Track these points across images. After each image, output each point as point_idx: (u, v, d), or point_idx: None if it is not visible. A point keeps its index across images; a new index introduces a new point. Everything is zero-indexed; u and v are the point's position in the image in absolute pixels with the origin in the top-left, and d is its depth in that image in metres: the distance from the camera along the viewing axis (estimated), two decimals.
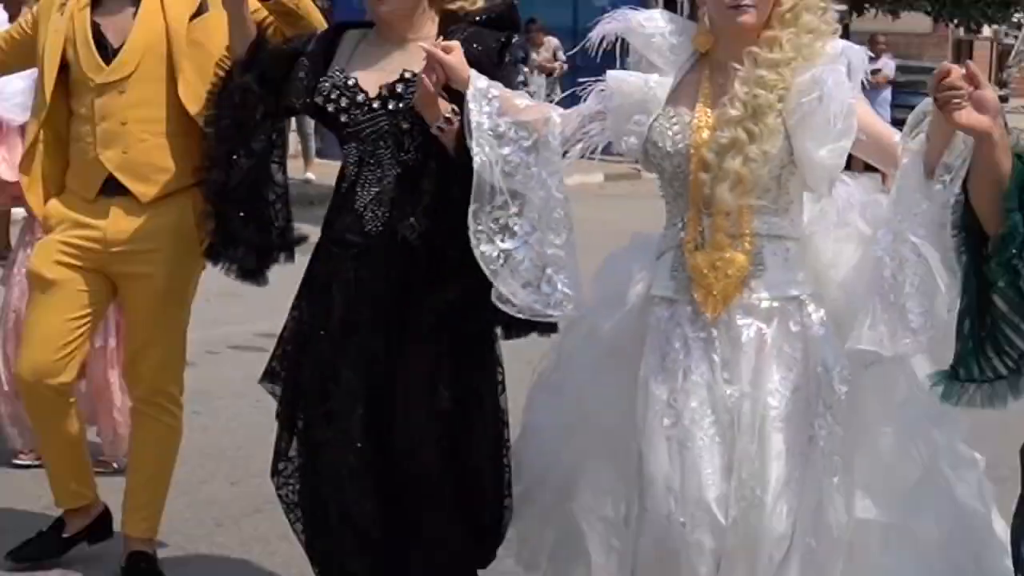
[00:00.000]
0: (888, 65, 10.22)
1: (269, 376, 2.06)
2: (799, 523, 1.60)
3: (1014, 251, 1.43)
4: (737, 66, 1.62)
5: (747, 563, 1.59)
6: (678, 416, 1.62)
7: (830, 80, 1.56)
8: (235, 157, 1.97)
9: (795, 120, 1.59)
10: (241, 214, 2.02)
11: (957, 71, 1.43)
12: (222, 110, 1.99)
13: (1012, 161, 1.43)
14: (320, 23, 2.13)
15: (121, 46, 2.24)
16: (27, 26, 2.41)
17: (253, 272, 2.10)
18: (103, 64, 2.23)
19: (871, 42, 9.81)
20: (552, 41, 10.92)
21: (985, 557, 1.73)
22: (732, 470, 1.60)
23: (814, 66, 1.60)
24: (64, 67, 2.25)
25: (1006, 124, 1.45)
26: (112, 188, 2.25)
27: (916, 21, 15.70)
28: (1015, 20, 19.87)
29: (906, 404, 1.71)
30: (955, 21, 16.86)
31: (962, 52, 21.30)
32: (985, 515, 1.77)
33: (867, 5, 15.06)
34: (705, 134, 1.64)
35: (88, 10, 2.26)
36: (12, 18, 3.58)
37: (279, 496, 2.02)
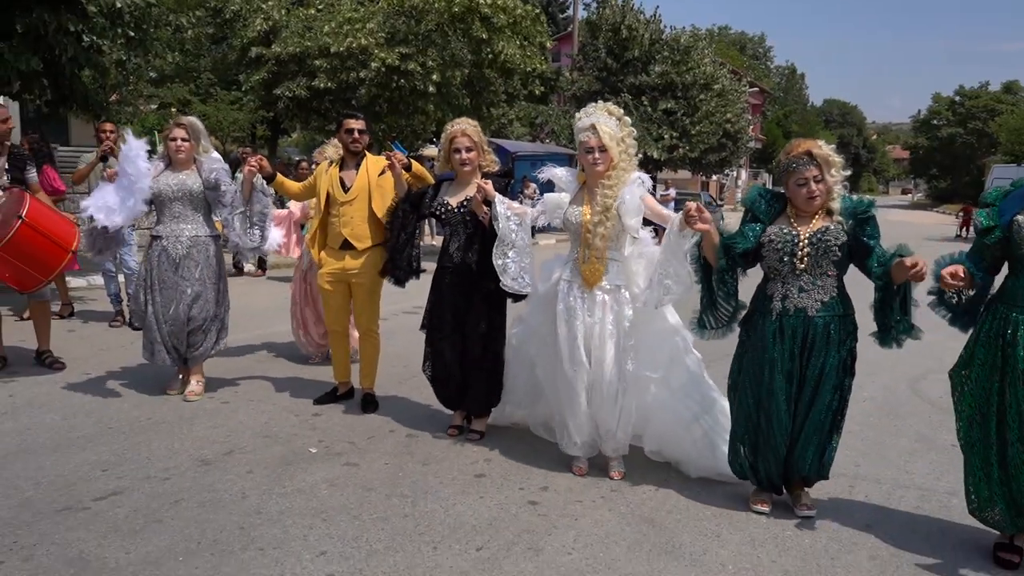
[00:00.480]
0: (672, 191, 19.28)
1: (423, 323, 4.65)
2: (618, 375, 3.94)
3: (723, 275, 3.62)
4: (596, 189, 3.99)
5: (598, 392, 3.95)
6: (569, 327, 4.00)
7: (627, 193, 3.91)
8: (399, 235, 4.63)
9: (620, 209, 3.90)
10: (398, 259, 4.63)
11: (696, 205, 3.55)
12: (394, 216, 4.67)
13: (719, 237, 3.57)
14: (431, 180, 4.72)
15: (351, 186, 4.84)
16: (312, 180, 5.07)
17: (400, 283, 4.70)
18: (344, 193, 4.84)
19: (664, 182, 19.14)
20: (532, 185, 17.69)
21: (704, 393, 4.09)
22: (591, 351, 3.95)
23: (625, 185, 3.93)
24: (327, 195, 4.91)
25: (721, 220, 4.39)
26: (346, 245, 4.87)
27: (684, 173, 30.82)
28: (725, 173, 40.71)
29: (665, 326, 4.08)
30: (701, 174, 31.52)
31: (704, 186, 40.44)
32: (700, 374, 4.11)
33: (663, 167, 26.89)
34: (587, 216, 3.99)
35: (337, 169, 4.92)
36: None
37: (424, 369, 4.70)
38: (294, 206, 6.69)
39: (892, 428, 5.10)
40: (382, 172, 4.77)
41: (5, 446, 4.20)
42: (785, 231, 3.51)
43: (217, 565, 3.04)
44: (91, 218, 5.01)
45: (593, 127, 3.95)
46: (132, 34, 8.15)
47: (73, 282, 9.37)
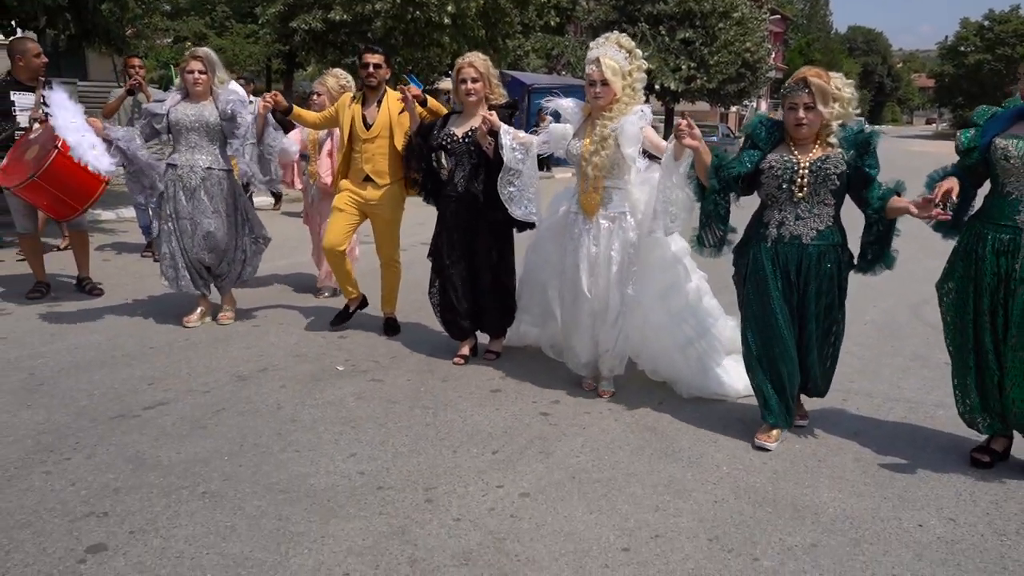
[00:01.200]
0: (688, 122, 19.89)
1: (430, 251, 4.81)
2: (620, 299, 4.12)
3: (715, 197, 3.65)
4: (597, 120, 4.06)
5: (600, 315, 4.15)
6: (575, 256, 4.17)
7: (626, 122, 3.94)
8: (415, 167, 4.78)
9: (619, 138, 3.94)
10: (419, 181, 4.82)
11: (686, 121, 3.69)
12: (408, 150, 4.78)
13: (711, 158, 3.62)
14: (443, 112, 4.83)
15: (373, 123, 4.95)
16: (333, 111, 5.17)
17: (427, 199, 4.83)
18: (366, 130, 4.95)
19: (681, 114, 22.15)
20: (548, 117, 17.59)
21: (700, 318, 4.27)
22: (596, 276, 4.11)
23: (625, 116, 3.97)
24: (349, 132, 5.01)
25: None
26: (367, 178, 5.02)
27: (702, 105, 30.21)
28: (744, 104, 40.67)
29: (667, 254, 4.20)
30: (720, 106, 30.45)
31: (723, 118, 39.52)
32: (698, 300, 4.29)
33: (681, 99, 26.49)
34: (587, 147, 4.09)
35: (359, 106, 5.00)
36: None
37: (429, 295, 4.84)
38: (290, 140, 6.29)
39: (889, 348, 5.32)
40: (402, 110, 4.86)
41: (58, 363, 4.54)
42: (785, 158, 3.51)
43: (258, 464, 3.37)
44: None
45: (597, 60, 3.98)
46: None
47: (104, 214, 9.67)
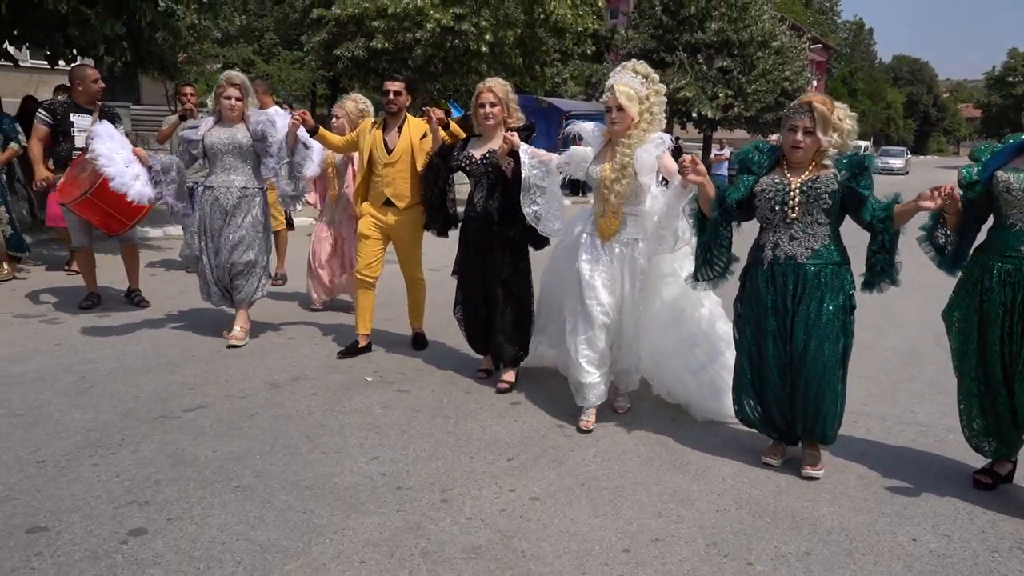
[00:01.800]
0: (726, 150, 17.65)
1: (454, 270, 4.94)
2: (634, 322, 4.22)
3: (717, 227, 3.73)
4: (618, 147, 4.12)
5: (617, 338, 4.24)
6: (591, 276, 4.17)
7: (643, 152, 4.03)
8: (433, 189, 4.94)
9: (636, 166, 4.04)
10: (434, 212, 4.99)
11: (691, 157, 3.71)
12: (427, 171, 4.97)
13: (715, 191, 3.72)
14: (463, 136, 4.97)
15: (394, 148, 5.10)
16: (355, 135, 5.34)
17: (442, 234, 5.06)
18: (387, 154, 5.11)
19: (719, 142, 17.73)
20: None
21: (712, 344, 4.35)
22: (613, 295, 4.16)
23: (642, 144, 4.06)
24: (370, 155, 5.17)
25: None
26: (388, 202, 5.17)
27: (740, 133, 28.52)
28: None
29: (680, 280, 4.26)
30: (758, 134, 26.76)
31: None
32: (711, 326, 4.37)
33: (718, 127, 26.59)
34: (607, 172, 4.15)
35: (380, 131, 5.17)
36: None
37: (454, 312, 5.01)
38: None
39: (907, 375, 5.40)
40: (423, 135, 5.07)
41: (107, 368, 4.85)
42: (777, 181, 3.59)
43: (288, 463, 3.60)
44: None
45: (612, 87, 4.07)
46: (205, 0, 8.75)
47: (151, 232, 10.13)
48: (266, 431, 3.97)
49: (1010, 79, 57.44)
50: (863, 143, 42.20)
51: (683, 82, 23.89)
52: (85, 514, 3.06)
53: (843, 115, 3.54)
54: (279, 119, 5.50)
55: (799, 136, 3.49)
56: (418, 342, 5.60)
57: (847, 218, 3.66)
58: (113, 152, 5.30)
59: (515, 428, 4.14)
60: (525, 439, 4.00)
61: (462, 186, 5.02)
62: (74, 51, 8.45)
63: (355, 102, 6.12)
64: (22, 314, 6.10)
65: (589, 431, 4.12)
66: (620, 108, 4.05)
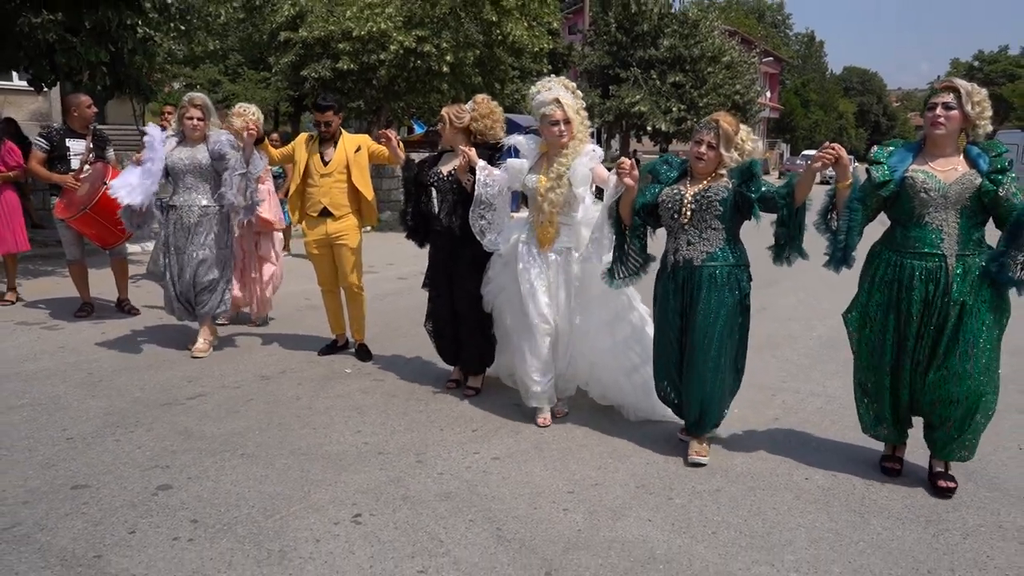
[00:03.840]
0: None
1: (424, 282, 5.09)
2: (568, 327, 4.40)
3: (635, 230, 4.06)
4: (555, 158, 4.32)
5: (552, 342, 4.40)
6: (529, 283, 4.36)
7: (578, 164, 4.24)
8: (408, 204, 5.11)
9: (571, 178, 4.24)
10: (409, 224, 5.09)
11: (629, 162, 3.94)
12: (405, 185, 5.16)
13: (635, 195, 3.97)
14: (400, 160, 5.24)
15: (330, 160, 5.43)
16: (291, 149, 5.63)
17: (421, 245, 5.11)
18: (323, 166, 5.42)
19: (676, 154, 21.24)
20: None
21: (645, 345, 4.39)
22: (551, 303, 4.37)
23: (579, 156, 4.27)
24: (306, 166, 5.46)
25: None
26: (325, 212, 5.45)
27: None
28: None
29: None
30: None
31: None
32: (642, 328, 4.47)
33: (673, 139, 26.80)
34: (543, 184, 4.32)
35: (317, 144, 5.47)
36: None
37: (425, 324, 5.20)
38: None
39: (824, 357, 6.12)
40: (357, 149, 5.43)
41: (111, 365, 5.39)
42: (675, 191, 3.89)
43: (283, 436, 4.19)
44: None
45: (557, 100, 4.21)
46: (182, 27, 9.30)
47: (130, 247, 10.58)
48: (261, 413, 4.55)
49: None
50: (813, 152, 43.59)
51: (638, 97, 24.84)
52: (117, 475, 3.63)
53: (746, 136, 3.87)
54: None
55: (703, 149, 3.80)
56: (363, 354, 5.70)
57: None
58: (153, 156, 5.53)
59: (478, 407, 4.76)
60: (487, 415, 4.62)
61: None
62: (56, 76, 8.90)
63: (242, 116, 5.82)
64: (23, 322, 6.58)
65: (547, 426, 4.42)
66: (567, 121, 4.25)
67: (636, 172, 3.92)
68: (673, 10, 26.35)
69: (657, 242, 4.19)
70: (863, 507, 3.50)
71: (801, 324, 7.22)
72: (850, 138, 69.93)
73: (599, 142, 31.40)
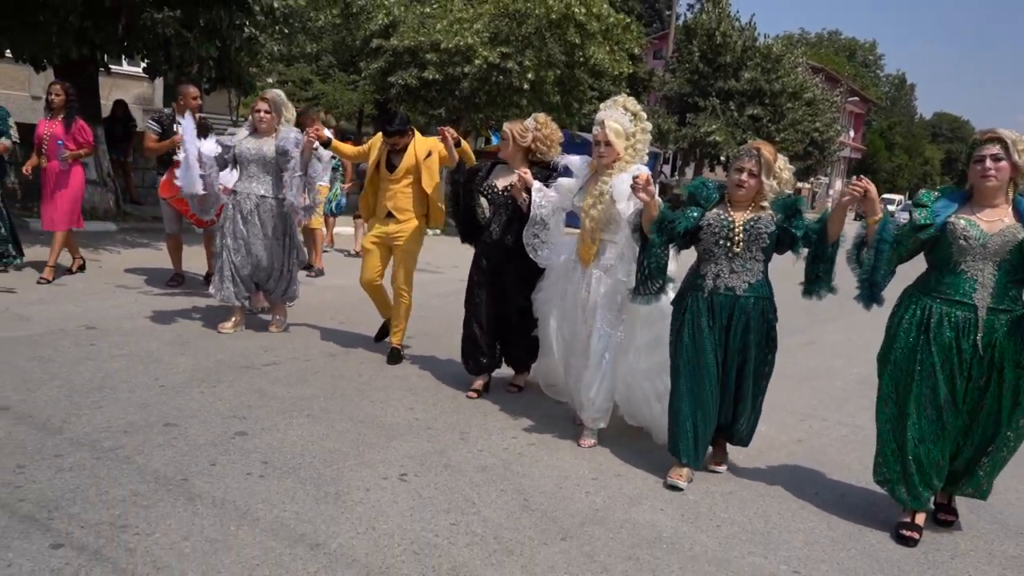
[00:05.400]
0: None
1: (467, 288, 5.21)
2: (605, 346, 4.40)
3: (655, 249, 4.02)
4: (600, 177, 4.41)
5: (586, 359, 4.44)
6: (573, 299, 4.56)
7: (619, 181, 4.25)
8: (458, 204, 5.29)
9: (614, 194, 4.26)
10: (461, 222, 5.28)
11: (646, 177, 3.96)
12: (453, 187, 6.06)
13: (658, 214, 3.94)
14: (472, 161, 5.53)
15: (398, 165, 5.48)
16: (367, 147, 5.73)
17: (464, 240, 5.34)
18: (389, 172, 5.52)
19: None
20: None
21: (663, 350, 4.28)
22: (586, 320, 4.45)
23: (620, 175, 4.28)
24: (377, 167, 5.58)
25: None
26: (389, 215, 5.55)
27: None
28: (818, 179, 40.97)
29: (654, 309, 4.22)
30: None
31: (796, 192, 44.50)
32: (665, 335, 4.24)
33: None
34: (588, 202, 4.45)
35: (387, 149, 5.52)
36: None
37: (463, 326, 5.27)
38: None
39: (860, 392, 6.32)
40: (428, 154, 5.44)
41: (198, 329, 6.01)
42: (722, 216, 3.89)
43: (343, 405, 4.69)
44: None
45: (602, 122, 4.32)
46: (285, 30, 10.07)
47: None
48: (327, 383, 5.07)
49: None
50: (896, 197, 42.77)
51: (714, 126, 25.01)
52: (201, 420, 4.17)
53: (783, 165, 3.93)
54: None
55: (744, 176, 3.83)
56: (394, 357, 5.71)
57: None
58: (192, 151, 6.07)
59: (522, 403, 5.16)
60: (528, 408, 5.02)
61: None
62: (169, 67, 9.72)
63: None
64: (122, 285, 7.31)
65: (588, 447, 4.41)
66: (608, 143, 4.31)
67: (652, 187, 3.94)
68: (757, 44, 26.42)
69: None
70: (863, 521, 3.79)
71: (844, 360, 7.42)
72: (935, 185, 68.14)
73: (674, 168, 31.66)
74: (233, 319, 6.08)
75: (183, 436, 3.94)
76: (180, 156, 6.13)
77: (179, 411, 4.27)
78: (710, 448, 4.22)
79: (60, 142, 7.16)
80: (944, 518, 3.80)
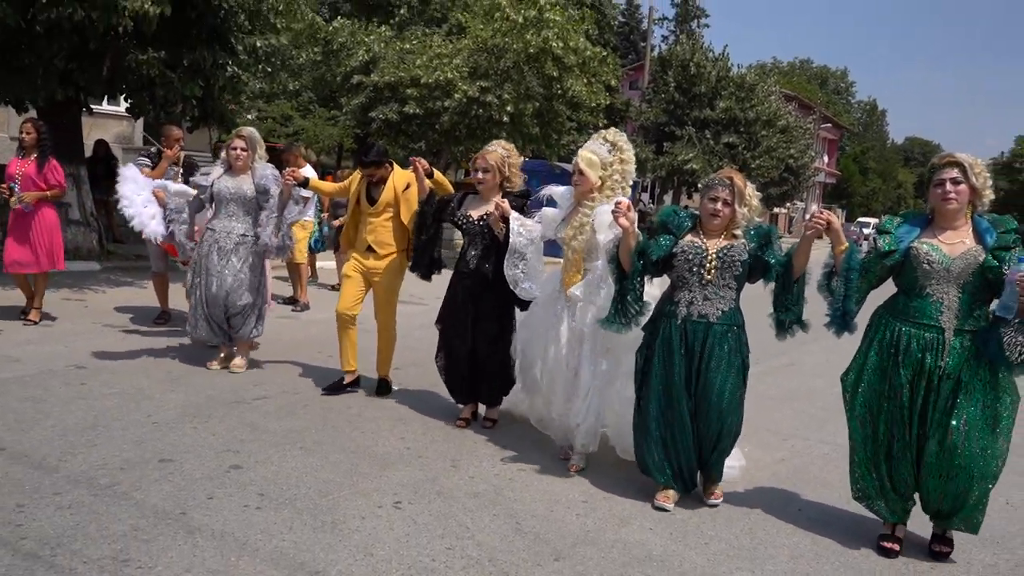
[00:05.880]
0: None
1: (438, 319, 5.28)
2: (591, 374, 4.44)
3: (634, 278, 4.08)
4: (580, 208, 4.52)
5: (575, 389, 4.50)
6: (556, 329, 4.62)
7: (600, 211, 4.33)
8: (421, 236, 5.23)
9: (595, 224, 4.36)
10: (421, 256, 5.26)
11: (626, 203, 4.08)
12: (419, 219, 5.23)
13: (635, 242, 3.99)
14: (450, 191, 5.40)
15: (378, 199, 5.50)
16: (347, 183, 5.80)
17: (425, 278, 5.31)
18: (370, 206, 5.52)
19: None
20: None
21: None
22: (572, 350, 4.53)
23: (601, 205, 4.36)
24: (358, 201, 5.60)
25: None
26: (370, 249, 5.53)
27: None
28: (794, 205, 41.81)
29: (640, 334, 4.24)
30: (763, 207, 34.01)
31: (772, 219, 44.79)
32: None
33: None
34: (569, 231, 4.54)
35: (366, 182, 5.56)
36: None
37: (436, 360, 5.35)
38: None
39: (841, 411, 6.48)
40: (407, 187, 5.43)
41: (187, 366, 6.07)
42: (696, 244, 3.94)
43: (336, 436, 4.76)
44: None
45: (578, 152, 4.51)
46: (268, 69, 10.26)
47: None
48: (317, 416, 5.14)
49: (1017, 165, 58.99)
50: (872, 220, 43.48)
51: (691, 155, 25.48)
52: (196, 454, 4.24)
53: (752, 192, 3.99)
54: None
55: (719, 206, 3.89)
56: (382, 388, 5.76)
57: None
58: (134, 194, 6.36)
59: (511, 430, 5.25)
60: (520, 436, 5.11)
61: (449, 231, 5.61)
62: (153, 107, 9.85)
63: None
64: (109, 324, 7.35)
65: (567, 458, 4.55)
66: (580, 172, 4.45)
67: (632, 214, 3.99)
68: (731, 73, 27.03)
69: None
70: (845, 536, 3.91)
71: (825, 381, 7.53)
72: (909, 208, 69.51)
73: (652, 197, 32.11)
74: (220, 356, 6.15)
75: (179, 471, 4.00)
76: (124, 205, 6.27)
77: (173, 447, 4.33)
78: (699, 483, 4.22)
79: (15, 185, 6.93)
80: (937, 549, 3.73)
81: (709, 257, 3.92)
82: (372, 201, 5.50)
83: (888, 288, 3.90)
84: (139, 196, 6.38)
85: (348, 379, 5.70)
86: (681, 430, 3.99)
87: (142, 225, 6.27)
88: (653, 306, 4.15)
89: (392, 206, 5.49)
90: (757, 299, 4.23)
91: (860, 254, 3.72)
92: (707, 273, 3.91)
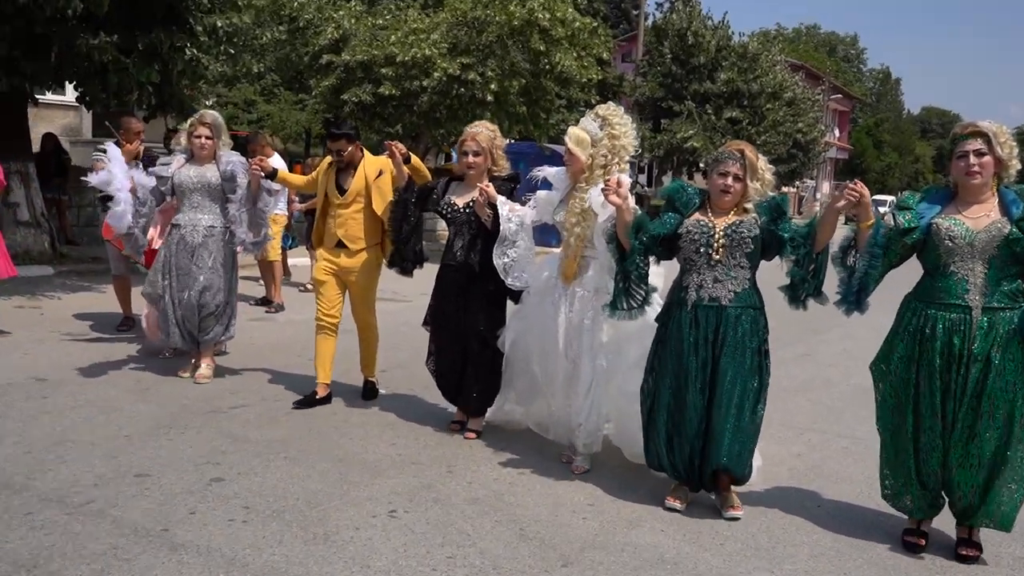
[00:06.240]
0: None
1: (426, 319, 5.33)
2: (592, 370, 4.53)
3: (635, 257, 4.10)
4: (575, 191, 4.57)
5: (575, 385, 4.59)
6: (554, 319, 4.64)
7: (594, 192, 4.37)
8: (402, 227, 5.20)
9: (593, 207, 4.40)
10: (403, 249, 5.22)
11: (616, 179, 4.10)
12: (396, 209, 5.19)
13: (632, 219, 4.02)
14: (428, 178, 5.28)
15: (348, 188, 5.46)
16: (315, 175, 5.72)
17: (407, 273, 5.31)
18: (339, 195, 5.47)
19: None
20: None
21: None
22: (570, 341, 4.59)
23: (594, 187, 4.38)
24: (327, 193, 5.55)
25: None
26: (340, 244, 5.51)
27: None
28: (804, 183, 42.33)
29: (643, 326, 4.35)
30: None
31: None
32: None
33: None
34: (569, 217, 4.57)
35: (335, 171, 5.53)
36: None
37: (427, 364, 5.40)
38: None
39: (858, 402, 6.61)
40: (379, 174, 5.41)
41: (157, 374, 6.14)
42: (702, 222, 3.95)
43: (322, 444, 4.85)
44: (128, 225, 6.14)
45: (568, 130, 4.59)
46: (231, 51, 10.30)
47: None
48: (301, 423, 5.23)
49: None
50: (888, 198, 43.91)
51: (691, 132, 25.66)
52: (174, 468, 4.32)
53: (764, 166, 4.01)
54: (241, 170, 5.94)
55: (729, 181, 3.91)
56: (369, 391, 5.85)
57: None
58: (120, 180, 6.19)
59: (506, 431, 5.33)
60: (516, 438, 5.21)
61: (430, 221, 5.90)
62: (107, 96, 9.87)
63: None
64: (69, 332, 7.41)
65: (570, 461, 4.67)
66: (569, 152, 4.54)
67: (624, 190, 4.01)
68: (732, 42, 27.19)
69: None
70: (867, 533, 4.03)
71: (840, 370, 7.75)
72: (927, 183, 69.94)
73: (650, 178, 32.29)
74: (192, 362, 6.21)
75: (156, 486, 4.08)
76: (114, 191, 6.14)
77: (149, 460, 4.41)
78: (719, 493, 4.18)
79: None
80: (965, 552, 3.76)
81: (716, 235, 3.93)
82: (341, 191, 5.46)
83: (903, 272, 3.98)
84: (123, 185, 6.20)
85: (321, 392, 5.63)
86: (686, 422, 4.01)
87: (122, 216, 6.10)
88: (657, 290, 4.21)
89: (363, 195, 5.44)
90: (769, 282, 4.32)
91: (885, 230, 3.75)
92: (715, 253, 3.93)
